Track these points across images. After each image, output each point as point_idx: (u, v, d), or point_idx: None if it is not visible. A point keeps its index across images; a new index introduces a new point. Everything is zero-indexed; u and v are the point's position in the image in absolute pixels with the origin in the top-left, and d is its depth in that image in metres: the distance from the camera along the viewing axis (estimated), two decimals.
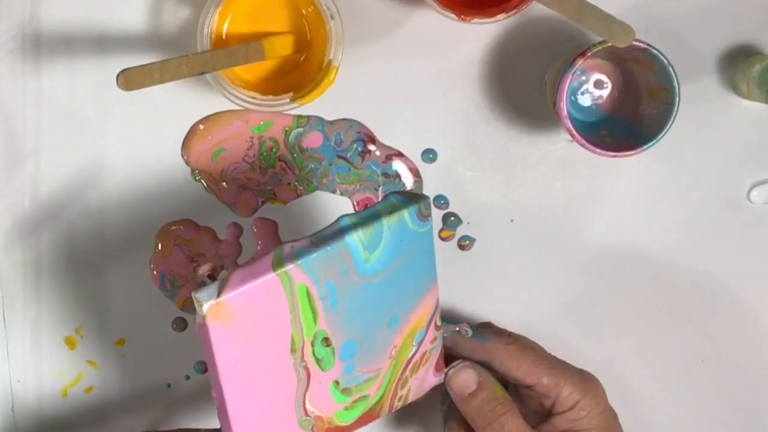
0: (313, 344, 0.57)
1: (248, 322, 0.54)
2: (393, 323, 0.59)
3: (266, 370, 0.56)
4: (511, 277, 0.69)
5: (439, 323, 0.62)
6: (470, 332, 0.64)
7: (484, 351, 0.63)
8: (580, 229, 0.69)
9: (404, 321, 0.60)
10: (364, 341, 0.58)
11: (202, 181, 0.68)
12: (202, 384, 0.70)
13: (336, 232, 0.56)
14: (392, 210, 0.57)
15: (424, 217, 0.58)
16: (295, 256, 0.55)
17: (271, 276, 0.54)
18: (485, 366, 0.63)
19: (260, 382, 0.56)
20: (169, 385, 0.70)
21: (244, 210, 0.69)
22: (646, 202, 0.69)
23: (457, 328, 0.64)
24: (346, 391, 0.60)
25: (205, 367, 0.70)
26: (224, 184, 0.68)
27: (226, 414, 0.56)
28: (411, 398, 0.63)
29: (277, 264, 0.54)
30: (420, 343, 0.61)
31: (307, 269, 0.55)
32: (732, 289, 0.70)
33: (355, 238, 0.55)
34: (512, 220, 0.69)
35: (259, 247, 0.69)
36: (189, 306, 0.69)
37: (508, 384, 0.65)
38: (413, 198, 0.58)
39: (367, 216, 0.57)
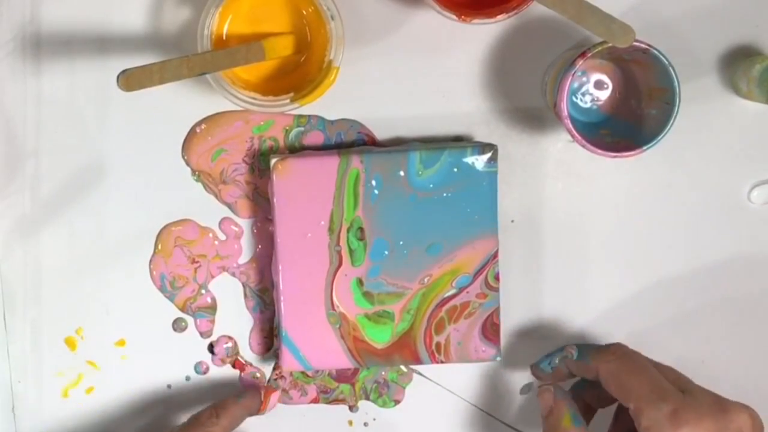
0: (348, 230, 0.65)
1: (301, 182, 0.64)
2: (433, 249, 0.65)
3: (308, 240, 0.65)
4: (510, 277, 0.69)
5: (493, 284, 0.66)
6: (575, 353, 0.65)
7: (588, 371, 0.64)
8: (581, 229, 0.69)
9: (446, 253, 0.65)
10: (395, 248, 0.65)
11: (202, 181, 0.68)
12: (202, 384, 0.70)
13: (403, 148, 0.65)
14: (457, 145, 0.65)
15: (486, 156, 0.64)
16: (360, 152, 0.65)
17: (335, 154, 0.64)
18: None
19: (303, 250, 0.65)
20: (169, 386, 0.70)
21: (244, 211, 0.69)
22: (646, 202, 0.69)
23: (565, 353, 0.66)
24: (367, 295, 0.66)
25: (205, 367, 0.70)
26: (224, 184, 0.68)
27: (277, 268, 0.65)
28: (455, 358, 0.66)
29: (344, 153, 0.65)
30: (461, 289, 0.65)
31: (364, 159, 0.64)
32: (732, 288, 0.70)
33: (416, 153, 0.64)
34: (512, 221, 0.69)
35: (258, 249, 0.69)
36: (189, 307, 0.69)
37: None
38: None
39: (433, 144, 0.66)
